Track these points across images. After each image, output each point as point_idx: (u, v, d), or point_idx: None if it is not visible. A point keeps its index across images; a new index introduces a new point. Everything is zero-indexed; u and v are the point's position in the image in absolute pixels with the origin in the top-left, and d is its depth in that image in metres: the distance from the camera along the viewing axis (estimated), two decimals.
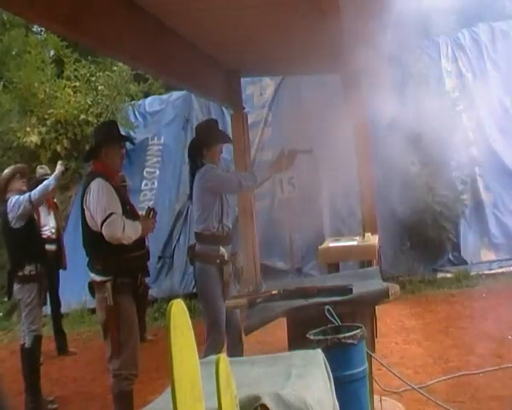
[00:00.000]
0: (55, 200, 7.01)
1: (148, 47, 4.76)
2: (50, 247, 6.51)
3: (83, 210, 3.75)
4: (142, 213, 4.17)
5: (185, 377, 1.48)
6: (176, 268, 9.01)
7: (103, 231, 3.64)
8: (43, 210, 6.49)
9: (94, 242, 3.75)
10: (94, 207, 3.67)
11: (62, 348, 6.84)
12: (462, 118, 8.75)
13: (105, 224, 3.62)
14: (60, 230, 6.82)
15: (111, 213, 3.64)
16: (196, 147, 4.44)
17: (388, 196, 8.02)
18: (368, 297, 3.43)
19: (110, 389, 3.79)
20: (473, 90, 9.12)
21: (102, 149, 3.85)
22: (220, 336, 4.26)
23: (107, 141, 3.89)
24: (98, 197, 3.67)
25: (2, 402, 3.80)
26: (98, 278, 3.72)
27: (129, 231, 3.70)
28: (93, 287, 3.80)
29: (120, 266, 3.72)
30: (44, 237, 6.40)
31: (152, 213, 4.04)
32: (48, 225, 6.59)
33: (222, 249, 4.28)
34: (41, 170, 6.84)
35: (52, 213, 6.73)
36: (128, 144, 10.38)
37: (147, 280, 4.31)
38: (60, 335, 6.88)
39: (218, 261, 4.25)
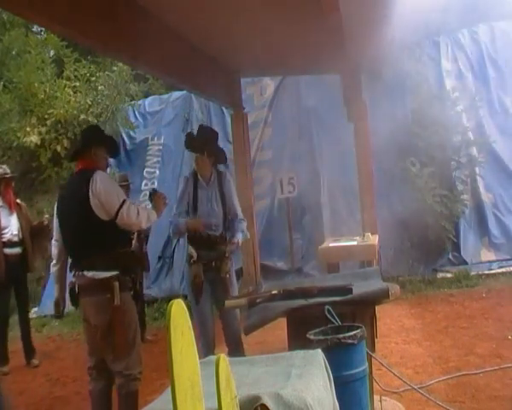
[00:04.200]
0: (18, 200, 6.55)
1: (148, 47, 4.75)
2: (12, 250, 6.17)
3: (84, 202, 3.57)
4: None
5: (185, 377, 1.48)
6: (176, 268, 9.01)
7: (120, 218, 3.57)
8: (3, 212, 6.18)
9: (100, 233, 3.60)
10: (105, 195, 3.57)
11: (29, 358, 6.42)
12: (462, 118, 8.74)
13: (121, 210, 3.57)
14: (25, 231, 6.32)
15: (124, 200, 3.63)
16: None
17: (388, 196, 8.03)
18: (368, 297, 3.44)
19: (117, 389, 3.69)
20: (473, 90, 9.12)
21: (92, 148, 3.78)
22: (204, 336, 4.29)
23: (97, 141, 3.86)
24: (108, 186, 3.63)
25: (3, 402, 3.80)
26: (102, 275, 3.56)
27: (143, 216, 3.69)
28: (82, 289, 3.62)
29: (124, 260, 3.66)
30: (4, 240, 6.10)
31: (155, 192, 4.05)
32: (9, 227, 6.20)
33: (190, 249, 4.35)
34: (0, 170, 6.41)
35: (15, 214, 6.30)
36: (129, 144, 10.45)
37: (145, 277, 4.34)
38: (26, 342, 6.44)
39: (189, 260, 4.33)
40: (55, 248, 3.89)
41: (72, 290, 3.69)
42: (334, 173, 8.65)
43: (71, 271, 3.77)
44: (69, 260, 3.81)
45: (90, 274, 3.60)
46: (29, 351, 6.43)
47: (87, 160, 3.77)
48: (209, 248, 4.37)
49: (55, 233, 3.92)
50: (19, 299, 6.43)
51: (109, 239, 3.62)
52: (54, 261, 3.91)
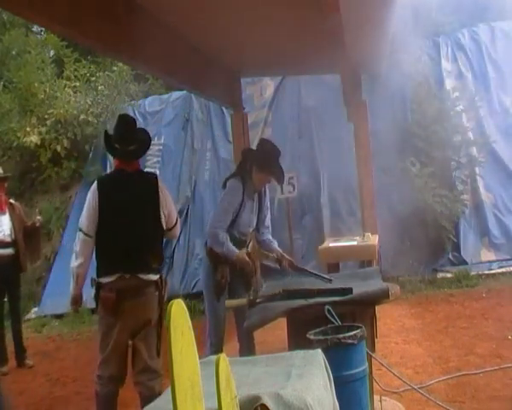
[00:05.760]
0: (11, 200, 6.40)
1: (147, 47, 4.75)
2: (5, 251, 6.06)
3: (155, 208, 3.69)
4: None
5: (185, 377, 1.48)
6: (176, 268, 9.02)
7: (173, 230, 3.88)
8: None
9: (159, 240, 3.83)
10: (170, 207, 3.82)
11: (21, 359, 6.34)
12: (462, 118, 8.75)
13: (177, 225, 3.90)
14: (18, 232, 6.17)
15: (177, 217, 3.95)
16: (251, 160, 4.39)
17: (388, 196, 8.03)
18: (368, 297, 3.43)
19: (147, 389, 3.64)
20: (473, 90, 9.13)
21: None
22: (216, 335, 4.29)
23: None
24: (171, 199, 3.86)
25: (2, 402, 3.80)
26: (155, 277, 3.70)
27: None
28: (133, 290, 3.58)
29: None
30: None
31: None
32: (1, 227, 6.08)
33: None
34: None
35: (7, 215, 6.17)
36: None
37: None
38: (17, 345, 6.36)
39: (213, 258, 4.28)
40: (86, 243, 3.64)
41: (120, 295, 3.55)
42: (334, 173, 8.65)
43: (110, 273, 3.58)
44: (101, 262, 3.65)
45: (145, 277, 3.65)
46: (19, 352, 6.35)
47: (137, 162, 3.84)
48: (239, 249, 4.34)
49: (88, 227, 3.63)
50: (11, 303, 6.34)
51: (162, 245, 3.90)
52: (81, 260, 3.65)
